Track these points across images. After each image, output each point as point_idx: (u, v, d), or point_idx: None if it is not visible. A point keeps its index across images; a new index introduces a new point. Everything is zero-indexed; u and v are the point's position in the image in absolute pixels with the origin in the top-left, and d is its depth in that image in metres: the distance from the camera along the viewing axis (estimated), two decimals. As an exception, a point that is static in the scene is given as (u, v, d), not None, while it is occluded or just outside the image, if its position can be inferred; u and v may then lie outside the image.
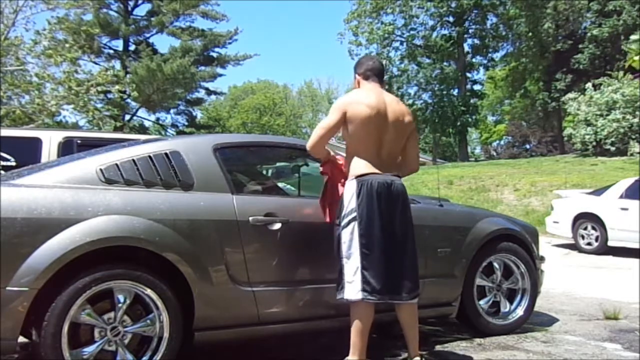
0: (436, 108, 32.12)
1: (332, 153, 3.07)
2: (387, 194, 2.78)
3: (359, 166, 2.83)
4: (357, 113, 2.83)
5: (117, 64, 27.31)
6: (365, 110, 2.83)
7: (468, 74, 33.32)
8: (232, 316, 2.80)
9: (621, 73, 21.11)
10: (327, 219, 3.01)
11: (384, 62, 31.64)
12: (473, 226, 3.65)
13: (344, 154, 3.04)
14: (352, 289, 2.71)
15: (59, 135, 4.75)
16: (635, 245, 8.36)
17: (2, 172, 3.92)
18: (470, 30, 32.76)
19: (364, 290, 2.68)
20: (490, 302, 3.77)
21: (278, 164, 4.08)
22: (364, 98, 2.90)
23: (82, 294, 2.40)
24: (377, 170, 2.82)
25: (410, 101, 32.74)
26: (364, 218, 2.73)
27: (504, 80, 36.41)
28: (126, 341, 2.52)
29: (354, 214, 2.74)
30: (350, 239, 2.75)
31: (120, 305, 2.51)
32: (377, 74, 3.03)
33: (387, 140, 2.88)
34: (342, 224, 2.78)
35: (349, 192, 2.80)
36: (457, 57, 32.63)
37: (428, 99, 33.01)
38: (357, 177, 2.80)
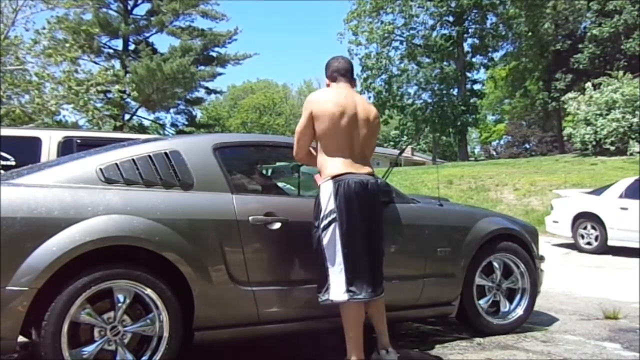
0: (436, 108, 32.13)
1: None
2: (364, 193, 2.76)
3: (334, 166, 2.80)
4: (322, 111, 2.82)
5: (117, 64, 27.32)
6: (332, 107, 2.82)
7: (468, 74, 33.33)
8: (232, 316, 2.80)
9: (621, 72, 21.13)
10: None
11: (383, 61, 31.99)
12: (473, 226, 3.65)
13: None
14: (337, 290, 2.71)
15: (58, 135, 4.75)
16: (635, 245, 8.36)
17: (2, 171, 3.92)
18: (470, 30, 32.76)
19: (348, 290, 2.69)
20: (490, 301, 3.76)
21: (278, 164, 4.07)
22: (330, 96, 2.91)
23: (82, 294, 2.40)
24: (352, 170, 2.79)
25: (410, 101, 32.78)
26: (343, 219, 2.71)
27: (504, 79, 36.42)
28: (126, 341, 2.52)
29: (334, 215, 2.73)
30: (331, 240, 2.73)
31: (120, 304, 2.51)
32: (344, 73, 3.01)
33: (359, 138, 2.87)
34: (322, 225, 2.76)
35: (326, 193, 2.77)
36: (456, 56, 32.63)
37: (428, 98, 33.03)
38: (333, 177, 2.77)
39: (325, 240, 2.75)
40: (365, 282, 2.72)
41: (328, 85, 3.06)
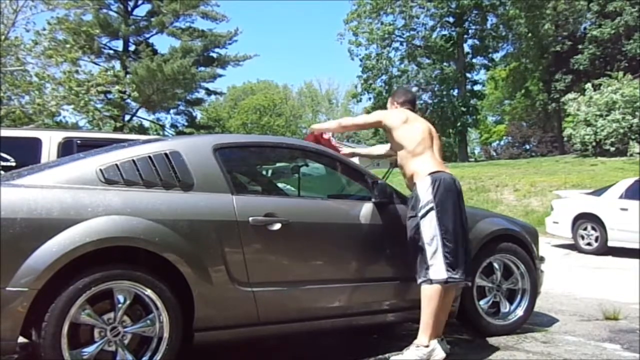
0: (436, 109, 32.16)
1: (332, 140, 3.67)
2: (455, 188, 3.21)
3: (428, 165, 3.24)
4: (394, 122, 3.36)
5: (117, 65, 27.34)
6: (401, 121, 3.33)
7: (468, 75, 33.34)
8: (232, 316, 2.80)
9: (621, 73, 21.16)
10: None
11: (383, 62, 32.01)
12: (473, 226, 3.63)
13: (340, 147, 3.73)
14: (437, 271, 3.01)
15: (58, 136, 4.74)
16: (635, 246, 8.35)
17: (2, 172, 3.92)
18: (470, 31, 32.78)
19: (448, 270, 3.00)
20: (490, 302, 3.76)
21: (278, 164, 4.07)
22: (403, 114, 3.42)
23: (82, 294, 2.40)
24: (442, 169, 3.26)
25: (411, 102, 32.76)
26: (440, 208, 3.09)
27: (504, 80, 36.42)
28: (126, 341, 2.52)
29: (431, 205, 3.10)
30: (430, 226, 3.08)
31: (120, 305, 2.51)
32: (413, 104, 3.60)
33: (436, 147, 3.40)
34: (420, 214, 3.11)
35: (424, 186, 3.15)
36: (457, 57, 32.65)
37: (428, 99, 33.06)
38: (430, 174, 3.19)
39: (423, 227, 3.09)
40: (462, 265, 3.06)
41: (395, 107, 3.58)
